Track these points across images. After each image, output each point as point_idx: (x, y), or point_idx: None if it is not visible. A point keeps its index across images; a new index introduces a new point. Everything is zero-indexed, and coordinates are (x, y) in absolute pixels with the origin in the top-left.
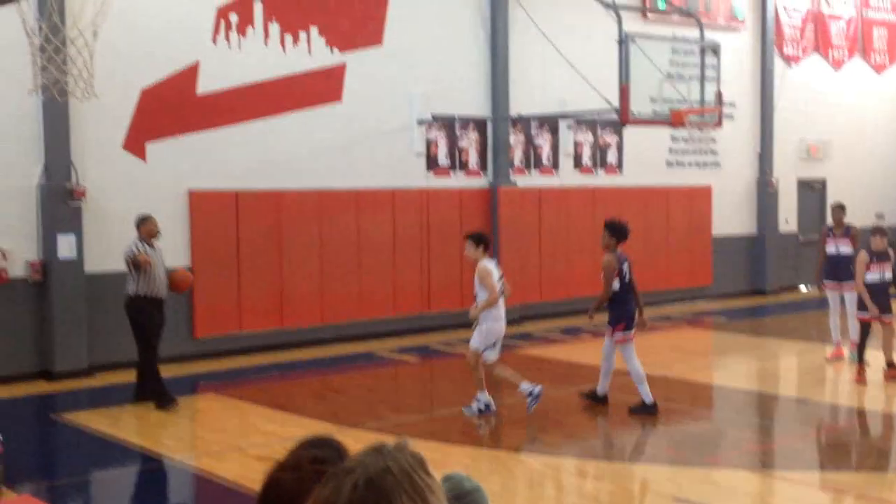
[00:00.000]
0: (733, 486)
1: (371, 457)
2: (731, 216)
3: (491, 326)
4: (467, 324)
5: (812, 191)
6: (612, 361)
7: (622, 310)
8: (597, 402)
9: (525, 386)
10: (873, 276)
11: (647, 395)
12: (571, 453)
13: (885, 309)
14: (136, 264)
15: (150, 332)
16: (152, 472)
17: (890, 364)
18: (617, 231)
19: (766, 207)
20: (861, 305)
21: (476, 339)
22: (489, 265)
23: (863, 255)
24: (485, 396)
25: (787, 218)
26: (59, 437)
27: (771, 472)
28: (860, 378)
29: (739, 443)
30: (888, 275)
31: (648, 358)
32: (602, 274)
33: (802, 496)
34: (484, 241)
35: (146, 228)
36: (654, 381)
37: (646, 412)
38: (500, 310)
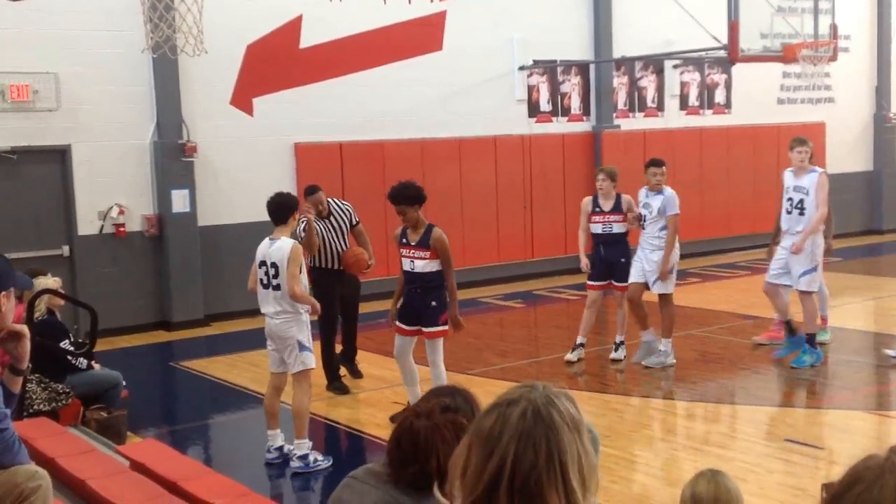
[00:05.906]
0: (847, 427)
1: (530, 391)
2: (846, 153)
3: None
4: (571, 270)
5: None
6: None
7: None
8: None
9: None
10: None
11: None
12: (681, 396)
13: None
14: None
15: (325, 305)
16: None
17: None
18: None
19: (883, 143)
20: None
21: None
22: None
23: None
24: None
25: None
26: (178, 384)
27: (887, 414)
28: None
29: (854, 384)
30: None
31: (763, 299)
32: (444, 254)
33: None
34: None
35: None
36: (769, 322)
37: None
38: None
